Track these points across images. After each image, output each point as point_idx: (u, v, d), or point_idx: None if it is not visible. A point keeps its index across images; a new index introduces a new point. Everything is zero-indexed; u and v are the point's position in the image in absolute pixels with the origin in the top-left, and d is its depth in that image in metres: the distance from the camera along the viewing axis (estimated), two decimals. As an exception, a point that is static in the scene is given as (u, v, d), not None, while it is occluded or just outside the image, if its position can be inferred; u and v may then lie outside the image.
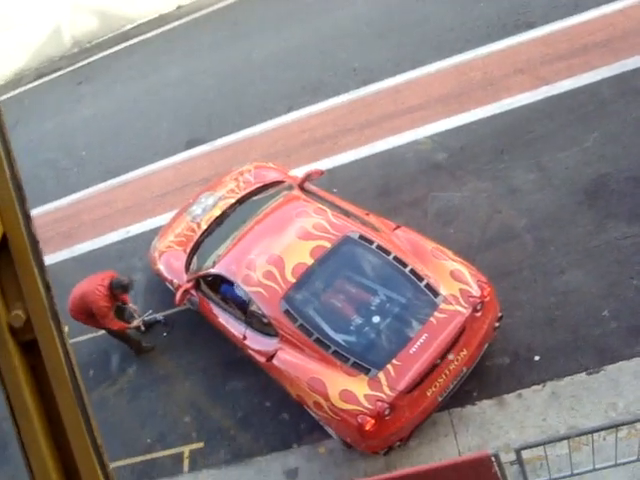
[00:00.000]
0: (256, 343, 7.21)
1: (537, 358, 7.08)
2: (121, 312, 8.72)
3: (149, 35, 16.11)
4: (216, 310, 7.88)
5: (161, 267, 8.76)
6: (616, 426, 5.26)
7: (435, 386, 6.38)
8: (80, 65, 16.48)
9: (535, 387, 6.86)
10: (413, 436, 6.73)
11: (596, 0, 10.77)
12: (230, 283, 7.63)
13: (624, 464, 5.63)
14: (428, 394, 6.38)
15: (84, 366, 9.34)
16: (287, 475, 7.33)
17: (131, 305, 8.88)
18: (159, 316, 9.07)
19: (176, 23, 15.93)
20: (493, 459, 5.25)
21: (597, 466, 5.61)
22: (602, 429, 5.40)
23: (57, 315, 1.44)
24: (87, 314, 8.32)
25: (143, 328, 8.98)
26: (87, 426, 1.43)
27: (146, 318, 8.99)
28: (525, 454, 5.51)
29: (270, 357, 6.92)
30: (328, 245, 7.02)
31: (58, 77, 16.56)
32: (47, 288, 1.44)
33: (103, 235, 11.25)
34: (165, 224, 9.66)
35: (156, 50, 15.41)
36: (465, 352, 6.55)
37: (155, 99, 13.70)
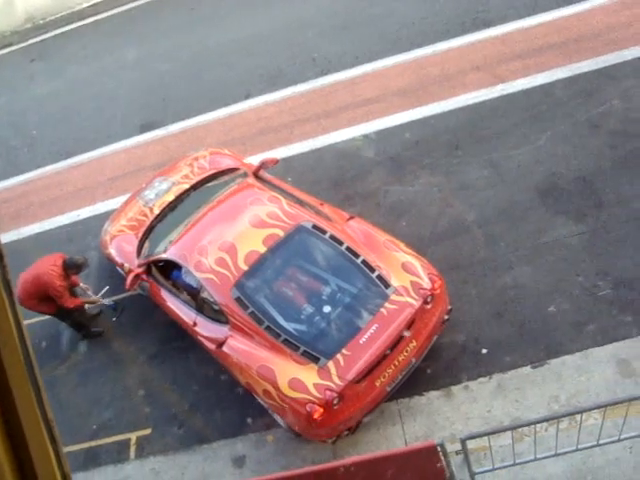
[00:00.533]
0: (206, 330, 7.17)
1: (484, 351, 7.21)
2: (72, 293, 8.57)
3: (105, 15, 15.77)
4: (167, 296, 7.80)
5: (112, 251, 8.63)
6: (557, 418, 5.40)
7: (384, 376, 6.44)
8: (33, 42, 16.05)
9: (481, 379, 6.99)
10: (361, 425, 6.79)
11: (553, 3, 10.97)
12: (181, 269, 7.58)
13: (564, 454, 5.79)
14: (377, 384, 6.44)
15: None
16: (235, 462, 7.32)
17: (82, 285, 8.74)
18: (108, 301, 8.93)
19: (133, 4, 15.63)
20: (439, 449, 5.33)
21: (538, 456, 5.76)
22: (544, 420, 5.54)
23: (9, 284, 1.40)
24: (39, 298, 8.16)
25: (104, 302, 8.87)
26: (37, 398, 1.40)
27: (102, 299, 8.87)
28: (470, 444, 5.61)
29: (220, 344, 6.89)
30: (281, 234, 7.02)
31: (9, 53, 16.11)
32: None
33: (52, 217, 11.03)
34: (117, 208, 9.51)
35: (112, 31, 15.12)
36: (414, 343, 6.62)
37: (110, 81, 13.45)
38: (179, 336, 8.18)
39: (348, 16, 12.50)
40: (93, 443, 8.07)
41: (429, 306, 6.69)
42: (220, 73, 12.31)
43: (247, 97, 11.44)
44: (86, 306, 8.75)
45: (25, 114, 13.70)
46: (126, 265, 8.33)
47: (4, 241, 10.79)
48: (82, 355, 8.87)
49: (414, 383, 7.09)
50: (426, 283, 6.72)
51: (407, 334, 6.49)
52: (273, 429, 7.35)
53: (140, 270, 7.89)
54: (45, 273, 8.01)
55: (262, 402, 6.90)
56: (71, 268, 8.13)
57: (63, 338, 9.10)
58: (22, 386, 1.36)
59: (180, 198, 8.51)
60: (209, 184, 8.52)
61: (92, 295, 8.81)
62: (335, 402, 6.19)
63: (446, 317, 7.06)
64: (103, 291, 8.97)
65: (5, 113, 14.02)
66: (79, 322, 8.72)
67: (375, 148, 9.75)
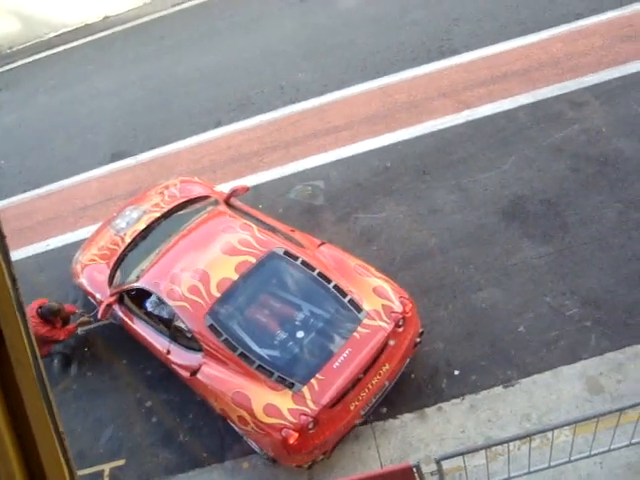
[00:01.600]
0: (180, 358, 7.16)
1: (456, 372, 7.30)
2: (66, 323, 8.63)
3: (74, 44, 15.83)
4: (139, 325, 7.77)
5: (83, 280, 8.59)
6: (529, 436, 5.49)
7: (358, 400, 6.49)
8: (0, 71, 16.03)
9: (454, 400, 7.07)
10: (336, 449, 6.81)
11: (515, 32, 11.29)
12: (154, 297, 7.58)
13: (537, 471, 5.87)
14: (351, 408, 6.49)
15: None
16: (210, 490, 7.29)
17: (79, 311, 8.79)
18: (79, 330, 8.87)
19: (102, 34, 15.73)
20: (415, 470, 5.38)
21: (512, 474, 5.84)
22: (517, 439, 5.62)
23: (22, 305, 1.46)
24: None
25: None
26: (49, 411, 1.45)
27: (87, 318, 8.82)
28: (445, 465, 5.66)
29: (194, 372, 6.89)
30: (253, 260, 7.07)
31: (-25, 83, 16.08)
32: (13, 280, 1.46)
33: (21, 248, 10.93)
34: (88, 237, 9.49)
35: (81, 60, 15.16)
36: (387, 367, 6.69)
37: (80, 109, 13.46)
38: (151, 364, 8.16)
39: (311, 45, 12.72)
40: (66, 476, 7.97)
41: (401, 329, 6.77)
42: (189, 101, 12.41)
43: (217, 125, 11.53)
44: (79, 330, 8.78)
45: (-6, 146, 13.64)
46: (98, 295, 8.29)
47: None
48: (53, 386, 8.78)
49: (388, 406, 7.15)
50: (397, 306, 6.81)
51: (392, 343, 6.58)
52: (249, 456, 7.33)
53: (112, 299, 7.87)
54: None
55: (237, 429, 6.90)
56: (48, 316, 8.20)
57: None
58: (35, 400, 1.41)
59: (151, 227, 8.52)
60: (180, 212, 8.55)
61: (85, 316, 8.80)
62: (310, 427, 6.22)
63: (418, 340, 7.15)
64: (94, 312, 8.85)
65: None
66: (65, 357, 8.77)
67: (343, 175, 9.87)
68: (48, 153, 12.70)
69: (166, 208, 8.69)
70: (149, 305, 7.82)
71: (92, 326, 8.83)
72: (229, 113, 11.73)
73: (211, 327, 6.72)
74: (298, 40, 12.99)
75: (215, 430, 7.58)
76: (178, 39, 14.36)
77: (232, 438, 7.39)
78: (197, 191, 8.91)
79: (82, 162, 12.02)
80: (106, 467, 7.87)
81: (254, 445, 6.98)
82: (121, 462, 7.86)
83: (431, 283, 8.17)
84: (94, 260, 8.66)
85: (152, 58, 14.11)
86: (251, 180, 10.03)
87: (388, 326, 6.65)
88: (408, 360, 7.09)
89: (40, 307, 8.23)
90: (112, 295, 7.94)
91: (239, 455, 7.42)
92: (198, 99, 12.38)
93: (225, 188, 9.24)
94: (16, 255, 10.80)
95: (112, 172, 11.60)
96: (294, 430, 6.19)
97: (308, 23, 13.46)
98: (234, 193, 8.48)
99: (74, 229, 10.78)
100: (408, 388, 7.31)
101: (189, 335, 6.99)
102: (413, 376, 7.40)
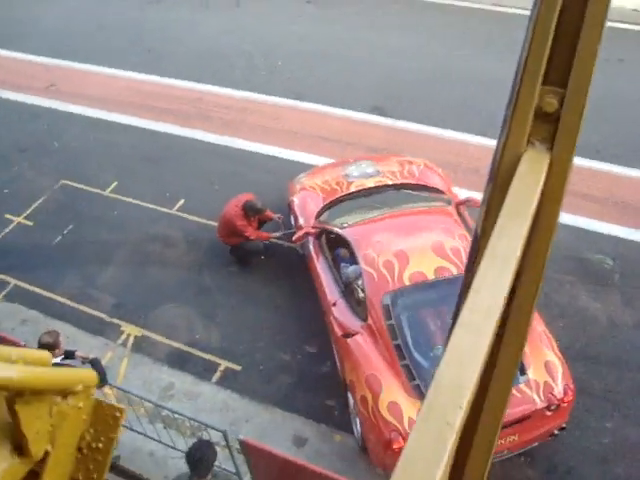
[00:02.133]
0: (342, 315, 7.33)
1: (571, 482, 6.94)
2: (260, 227, 9.19)
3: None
4: (322, 266, 8.04)
5: (296, 200, 8.98)
6: None
7: (473, 449, 6.35)
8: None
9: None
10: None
11: None
12: (347, 251, 7.78)
13: None
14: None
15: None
16: (295, 440, 7.48)
17: (276, 217, 9.22)
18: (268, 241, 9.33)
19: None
20: None
21: None
22: None
23: None
24: (227, 232, 8.98)
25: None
26: None
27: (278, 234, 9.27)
28: None
29: (347, 335, 7.04)
30: (454, 272, 7.02)
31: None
32: None
33: (256, 142, 11.61)
34: (319, 166, 9.88)
35: (392, 9, 15.50)
36: (515, 438, 6.49)
37: (368, 50, 13.81)
38: (308, 305, 8.44)
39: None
40: (189, 349, 8.52)
41: (549, 413, 6.51)
42: (465, 97, 12.23)
43: (479, 133, 11.33)
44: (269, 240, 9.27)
45: (279, 44, 14.42)
46: (301, 220, 8.64)
47: (205, 139, 11.57)
48: (210, 279, 9.35)
49: (492, 471, 6.94)
50: (558, 391, 6.54)
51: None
52: (344, 432, 7.46)
53: (313, 231, 8.18)
54: (228, 212, 8.81)
55: (351, 404, 7.01)
56: (249, 211, 8.75)
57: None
58: None
59: (378, 189, 8.69)
60: (410, 191, 8.64)
61: (281, 229, 9.25)
62: (418, 445, 6.19)
63: (556, 432, 6.85)
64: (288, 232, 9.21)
65: (264, 36, 14.80)
66: (246, 254, 9.28)
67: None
68: (320, 74, 13.23)
69: (399, 181, 8.81)
70: (339, 254, 8.05)
71: (280, 242, 9.24)
72: (495, 129, 11.35)
73: (385, 307, 6.80)
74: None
75: (333, 393, 7.73)
76: (488, 37, 14.19)
77: (341, 408, 7.54)
78: (435, 182, 8.94)
79: (345, 99, 12.40)
80: (223, 364, 8.31)
81: (356, 426, 7.07)
82: (237, 367, 8.27)
83: (597, 389, 7.73)
84: (314, 189, 9.00)
85: (453, 42, 14.05)
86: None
87: (539, 403, 6.41)
88: (536, 444, 6.83)
89: (247, 201, 8.75)
90: (315, 227, 8.24)
91: (335, 426, 7.55)
92: (476, 100, 12.11)
93: (458, 193, 9.19)
94: (248, 146, 11.51)
95: (366, 122, 11.89)
96: (403, 439, 6.19)
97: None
98: (467, 203, 8.42)
99: (307, 152, 11.23)
100: (516, 468, 7.06)
101: (361, 300, 7.13)
102: (529, 460, 7.13)
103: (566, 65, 1.32)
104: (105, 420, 1.55)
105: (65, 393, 1.41)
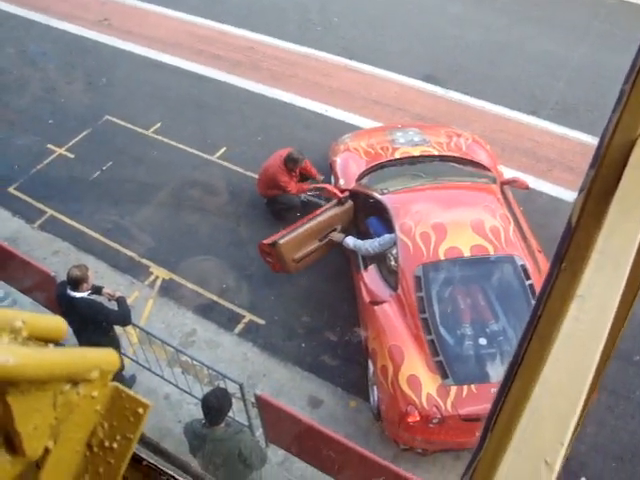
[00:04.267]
0: (371, 281, 7.24)
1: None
2: (302, 180, 9.13)
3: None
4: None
5: (338, 161, 8.83)
6: None
7: (486, 432, 6.27)
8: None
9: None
10: (435, 454, 6.72)
11: None
12: (384, 218, 7.63)
13: None
14: (476, 433, 6.27)
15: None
16: (310, 401, 7.47)
17: (318, 175, 9.17)
18: (304, 196, 9.22)
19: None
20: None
21: None
22: None
23: None
24: (268, 185, 8.92)
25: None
26: None
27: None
28: None
29: (375, 302, 6.95)
30: (491, 252, 6.86)
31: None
32: None
33: (304, 97, 11.43)
34: (366, 129, 9.70)
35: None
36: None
37: (427, 19, 13.47)
38: (342, 266, 8.34)
39: None
40: (216, 298, 8.51)
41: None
42: (521, 75, 11.85)
43: (532, 113, 11.03)
44: (303, 196, 9.24)
45: (337, 1, 14.10)
46: (341, 181, 8.51)
47: (251, 89, 11.43)
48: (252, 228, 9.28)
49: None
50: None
51: None
52: (360, 399, 7.42)
53: (341, 193, 8.07)
54: (272, 166, 8.74)
55: (370, 372, 6.96)
56: (289, 162, 8.64)
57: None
58: None
59: (423, 159, 8.50)
60: (455, 164, 8.43)
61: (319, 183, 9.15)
62: (434, 421, 6.13)
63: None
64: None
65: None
66: (283, 209, 9.22)
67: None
68: (378, 35, 12.91)
69: (446, 153, 8.60)
70: (374, 220, 7.92)
71: (318, 201, 9.12)
72: (550, 110, 11.16)
73: (417, 278, 6.68)
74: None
75: (354, 359, 7.68)
76: (552, 15, 13.67)
77: (360, 374, 7.49)
78: (482, 158, 8.70)
79: (402, 64, 12.08)
80: (248, 316, 8.29)
81: (373, 395, 7.02)
82: (261, 321, 8.24)
83: (621, 388, 7.55)
84: (358, 151, 8.84)
85: (516, 17, 13.60)
86: (531, 181, 9.53)
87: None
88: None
89: (288, 153, 8.64)
90: (354, 190, 8.11)
91: (352, 391, 7.52)
92: (532, 79, 11.79)
93: (504, 172, 8.95)
94: (296, 101, 11.33)
95: (417, 89, 11.60)
96: (418, 413, 6.13)
97: None
98: (513, 183, 8.20)
99: (355, 113, 11.03)
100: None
101: (393, 269, 7.01)
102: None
103: None
104: (124, 415, 1.26)
105: (76, 380, 1.15)
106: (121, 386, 1.27)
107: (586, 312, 0.99)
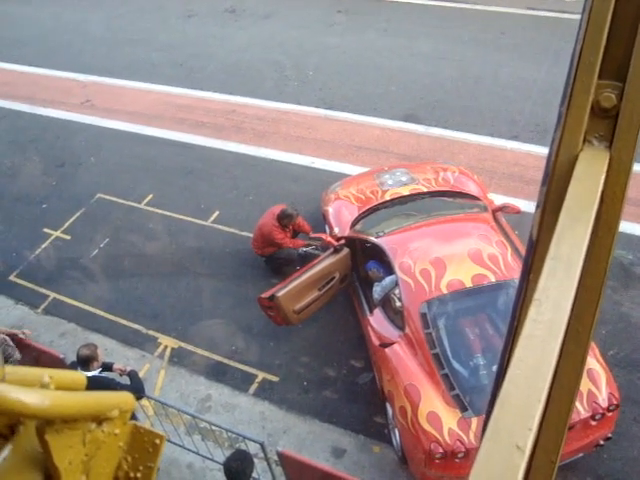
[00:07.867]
0: (379, 325, 7.26)
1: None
2: (294, 236, 9.22)
3: (429, 3, 16.18)
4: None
5: (330, 210, 8.93)
6: None
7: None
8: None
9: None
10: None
11: None
12: (382, 260, 7.69)
13: None
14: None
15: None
16: (333, 451, 7.41)
17: (311, 235, 9.24)
18: (301, 250, 9.30)
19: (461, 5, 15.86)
20: None
21: None
22: None
23: None
24: (264, 244, 9.04)
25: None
26: None
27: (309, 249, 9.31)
28: None
29: (385, 344, 6.96)
30: (492, 279, 6.91)
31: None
32: None
33: (289, 152, 11.62)
34: (352, 176, 9.84)
35: (424, 18, 15.45)
36: (559, 448, 6.33)
37: (396, 61, 13.78)
38: (346, 312, 8.37)
39: None
40: (226, 361, 8.50)
41: (594, 423, 6.34)
42: (499, 104, 12.14)
43: (514, 138, 11.24)
44: (301, 249, 9.28)
45: (310, 54, 14.45)
46: (335, 229, 8.59)
47: (238, 150, 11.62)
48: (253, 287, 9.32)
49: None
50: (602, 400, 6.36)
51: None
52: (383, 443, 7.37)
53: (336, 242, 8.13)
54: (265, 224, 8.87)
55: (390, 415, 6.92)
56: (282, 219, 8.77)
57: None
58: None
59: (413, 197, 8.60)
60: (445, 199, 8.54)
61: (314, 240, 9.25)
62: (459, 456, 6.08)
63: (602, 442, 6.67)
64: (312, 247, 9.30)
65: (294, 46, 14.86)
66: (282, 264, 9.29)
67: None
68: (353, 84, 13.21)
69: (435, 188, 8.71)
70: (373, 264, 7.98)
71: (315, 252, 9.20)
72: (531, 133, 11.38)
73: (423, 316, 6.71)
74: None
75: (371, 402, 7.65)
76: (521, 41, 14.02)
77: (379, 419, 7.46)
78: (471, 188, 8.81)
79: (378, 107, 12.37)
80: (260, 375, 8.28)
81: (395, 438, 6.97)
82: (275, 378, 8.23)
83: (641, 397, 7.53)
84: (348, 198, 8.95)
85: (485, 48, 13.97)
86: (522, 205, 9.65)
87: (584, 413, 6.25)
88: (581, 455, 6.65)
89: (281, 211, 8.76)
90: (349, 237, 8.18)
91: (375, 437, 7.47)
92: (509, 104, 12.06)
93: (494, 199, 9.06)
94: (282, 156, 11.51)
95: (399, 129, 11.82)
96: (443, 450, 6.09)
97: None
98: (504, 209, 8.30)
99: (341, 161, 11.21)
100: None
101: (398, 309, 7.05)
102: (573, 472, 6.95)
103: (624, 57, 1.23)
104: (144, 447, 1.47)
105: (100, 419, 1.34)
106: (138, 422, 1.47)
107: (542, 314, 1.08)
